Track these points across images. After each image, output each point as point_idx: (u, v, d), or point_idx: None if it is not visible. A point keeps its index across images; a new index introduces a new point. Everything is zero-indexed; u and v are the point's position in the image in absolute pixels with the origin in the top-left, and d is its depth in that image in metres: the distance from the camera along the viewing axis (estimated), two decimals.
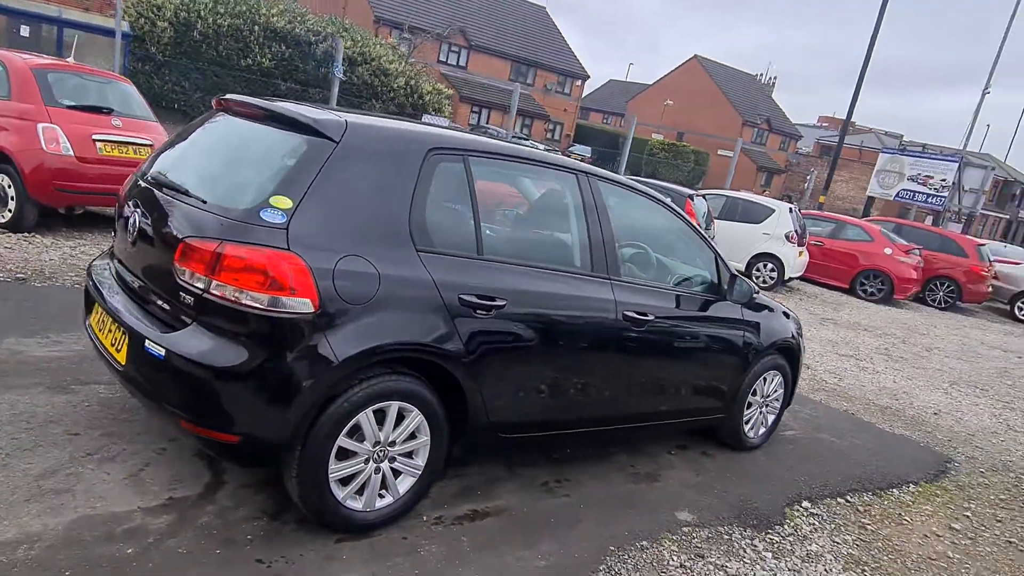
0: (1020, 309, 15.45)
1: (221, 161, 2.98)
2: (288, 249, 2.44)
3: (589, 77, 45.18)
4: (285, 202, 2.50)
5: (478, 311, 2.82)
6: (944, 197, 21.81)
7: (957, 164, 21.50)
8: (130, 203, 2.96)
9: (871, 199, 25.29)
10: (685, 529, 3.40)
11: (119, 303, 2.87)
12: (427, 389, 2.79)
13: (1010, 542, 4.04)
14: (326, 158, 2.59)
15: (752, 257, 12.37)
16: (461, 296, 2.78)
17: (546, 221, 3.72)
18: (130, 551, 2.47)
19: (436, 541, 2.89)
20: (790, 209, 12.59)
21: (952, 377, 8.23)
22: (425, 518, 3.03)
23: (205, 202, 2.63)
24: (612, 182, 3.61)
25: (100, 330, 2.95)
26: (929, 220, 22.44)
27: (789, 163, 53.39)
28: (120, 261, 3.06)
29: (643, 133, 44.62)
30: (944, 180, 21.74)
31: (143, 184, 2.98)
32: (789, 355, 4.60)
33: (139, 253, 2.85)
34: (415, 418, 2.79)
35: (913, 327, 11.57)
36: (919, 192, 22.75)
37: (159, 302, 2.69)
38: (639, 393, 3.68)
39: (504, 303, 2.91)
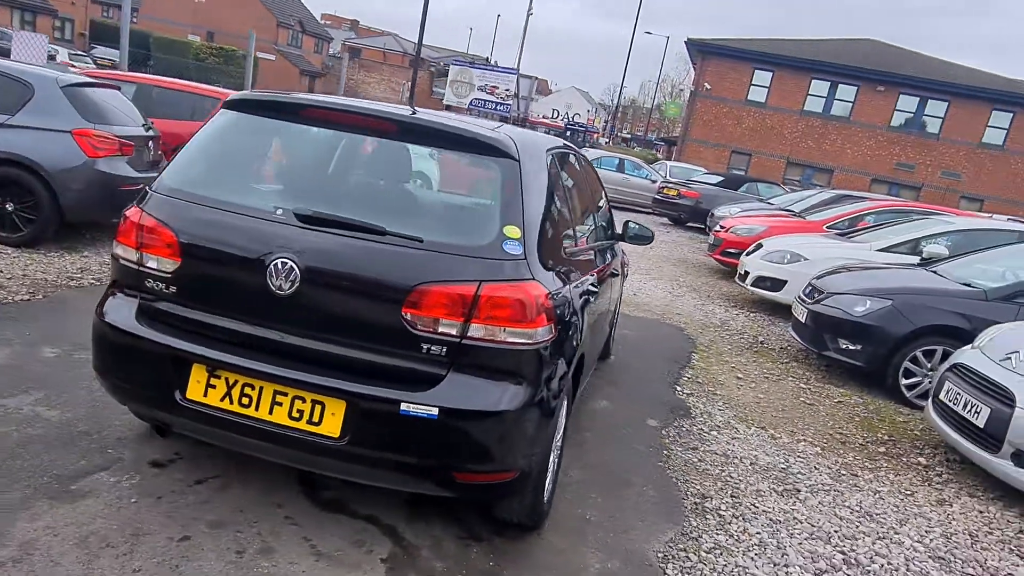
0: None
1: (388, 189, 2.66)
2: (533, 279, 2.51)
3: None
4: (516, 232, 2.53)
5: None
6: (509, 104, 25.59)
7: (516, 76, 25.37)
8: (257, 249, 2.46)
9: (448, 108, 28.12)
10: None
11: (274, 367, 2.45)
12: None
13: (767, 376, 6.00)
14: (519, 178, 2.63)
15: None
16: None
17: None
18: None
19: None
20: None
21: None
22: None
23: (421, 241, 2.44)
24: None
25: (235, 402, 2.47)
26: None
27: (326, 66, 53.99)
28: (238, 316, 2.52)
29: (172, 32, 40.07)
30: (508, 90, 25.48)
31: (288, 223, 2.49)
32: None
33: (304, 307, 2.44)
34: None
35: None
36: (489, 101, 26.23)
37: (355, 353, 2.44)
38: None
39: None
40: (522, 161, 2.67)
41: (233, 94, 2.91)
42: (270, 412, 2.45)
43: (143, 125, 6.83)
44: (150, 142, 6.70)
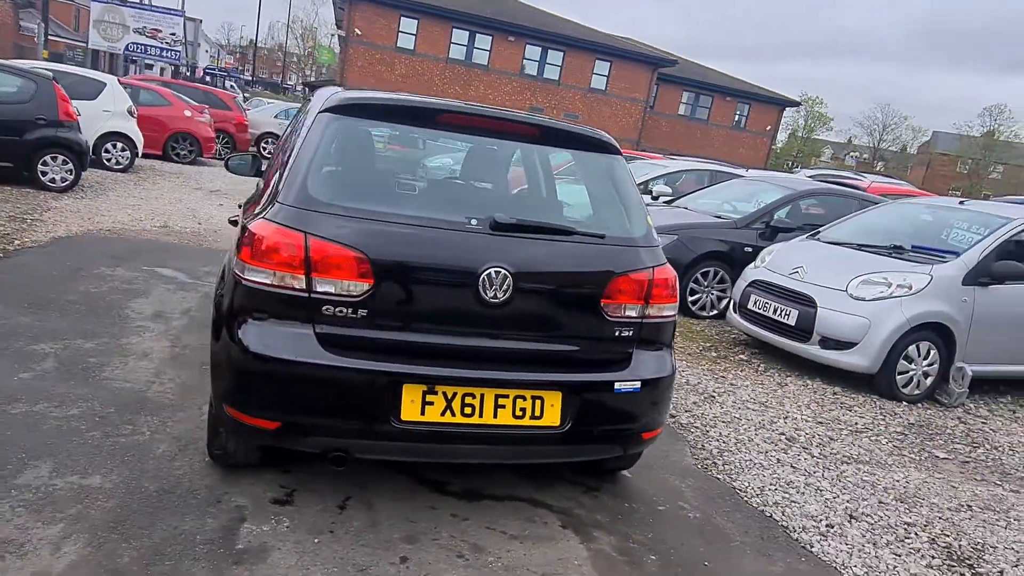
0: (264, 148, 18.40)
1: (536, 191, 2.76)
2: (667, 260, 2.98)
3: None
4: (652, 220, 2.95)
5: None
6: (178, 52, 22.06)
7: (182, 18, 21.89)
8: (468, 261, 2.48)
9: (96, 52, 23.05)
10: None
11: (491, 371, 2.56)
12: None
13: None
14: (628, 171, 3.02)
15: (99, 137, 11.25)
16: None
17: None
18: None
19: None
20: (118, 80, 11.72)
21: None
22: None
23: (603, 237, 2.71)
24: None
25: (457, 413, 2.53)
26: (168, 74, 22.43)
27: None
28: (446, 329, 2.51)
29: None
30: (174, 34, 21.89)
31: (485, 233, 2.52)
32: None
33: (515, 311, 2.56)
34: None
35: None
36: (152, 46, 22.23)
37: (565, 347, 2.68)
38: None
39: None
40: (621, 155, 3.05)
41: (352, 97, 2.70)
42: (495, 416, 2.56)
43: None
44: None
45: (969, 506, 3.82)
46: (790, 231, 7.48)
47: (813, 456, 4.17)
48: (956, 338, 5.56)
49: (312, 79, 53.31)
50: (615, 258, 2.74)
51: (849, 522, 3.40)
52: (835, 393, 5.47)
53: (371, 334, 2.49)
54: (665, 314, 2.88)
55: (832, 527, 3.32)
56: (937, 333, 5.54)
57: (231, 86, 39.11)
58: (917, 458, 4.42)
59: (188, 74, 30.65)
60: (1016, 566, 3.24)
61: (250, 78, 66.68)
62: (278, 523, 2.66)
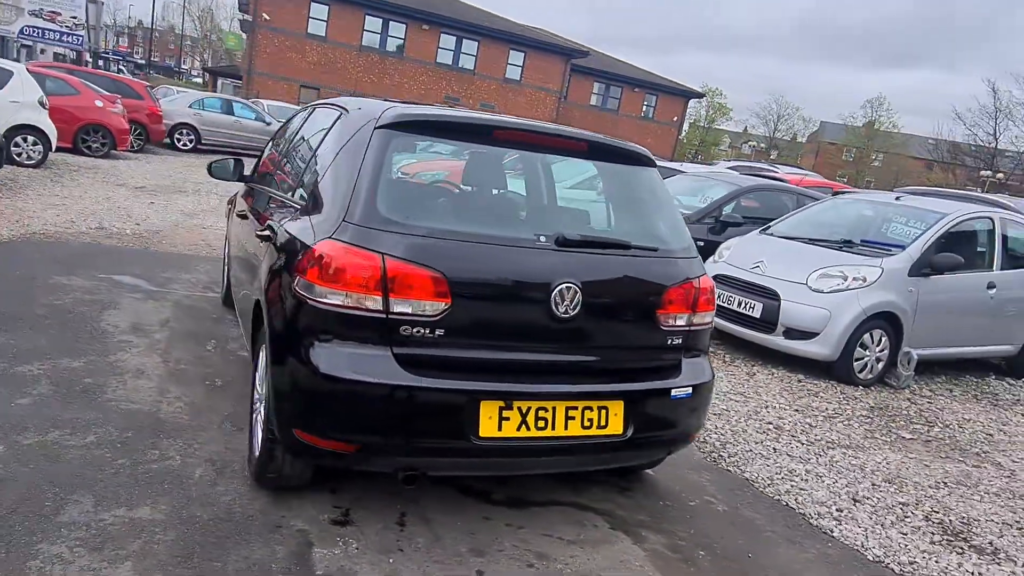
0: (179, 140, 17.55)
1: (584, 204, 2.80)
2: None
3: None
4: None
5: None
6: (81, 36, 20.27)
7: (84, 1, 20.10)
8: (541, 278, 2.52)
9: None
10: None
11: (561, 385, 2.62)
12: None
13: None
14: (663, 182, 3.13)
15: (8, 130, 10.42)
16: None
17: None
18: None
19: None
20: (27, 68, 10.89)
21: None
22: None
23: (656, 249, 2.81)
24: None
25: (531, 427, 2.57)
26: (70, 60, 20.60)
27: None
28: (519, 345, 2.55)
29: None
30: (75, 18, 20.09)
31: (553, 249, 2.55)
32: None
33: (581, 325, 2.62)
34: None
35: (171, 172, 12.52)
36: (50, 30, 20.29)
37: (625, 358, 2.77)
38: None
39: None
40: (656, 167, 3.16)
41: (410, 113, 2.66)
42: (565, 428, 2.62)
43: None
44: None
45: (945, 483, 4.18)
46: (739, 226, 7.85)
47: (802, 443, 4.44)
48: (904, 325, 6.02)
49: (212, 65, 50.88)
50: (668, 269, 2.84)
51: (854, 505, 3.66)
52: (800, 380, 5.81)
53: (449, 353, 2.49)
54: (707, 321, 3.01)
55: (842, 511, 3.57)
56: (888, 321, 5.97)
57: (119, 70, 36.77)
58: (888, 440, 4.78)
59: (74, 59, 28.69)
60: (1001, 537, 3.58)
61: (142, 61, 62.94)
62: (346, 545, 2.63)
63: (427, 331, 2.45)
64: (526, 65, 34.82)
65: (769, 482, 3.79)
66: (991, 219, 6.72)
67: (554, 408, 2.60)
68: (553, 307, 2.56)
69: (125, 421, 3.31)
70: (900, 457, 4.48)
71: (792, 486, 3.78)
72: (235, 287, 4.25)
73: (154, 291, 5.46)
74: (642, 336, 2.81)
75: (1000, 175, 47.20)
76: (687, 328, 2.91)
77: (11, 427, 3.08)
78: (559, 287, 2.56)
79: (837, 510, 3.57)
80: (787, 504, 3.57)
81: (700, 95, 48.14)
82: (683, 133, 51.64)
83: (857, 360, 5.90)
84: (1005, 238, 6.72)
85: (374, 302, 2.40)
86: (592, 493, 3.31)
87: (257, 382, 3.02)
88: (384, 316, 2.41)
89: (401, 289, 2.40)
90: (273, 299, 2.71)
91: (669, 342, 2.87)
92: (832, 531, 3.35)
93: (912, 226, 6.48)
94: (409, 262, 2.41)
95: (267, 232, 3.05)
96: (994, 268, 6.59)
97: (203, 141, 17.30)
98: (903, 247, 6.16)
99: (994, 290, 6.53)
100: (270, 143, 4.67)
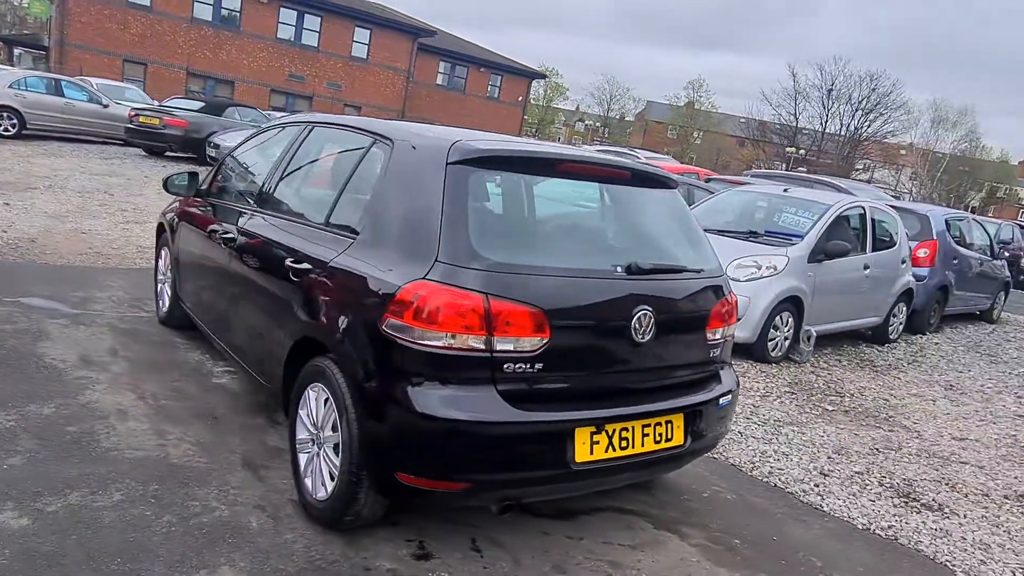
0: None
1: (640, 229, 2.95)
2: None
3: None
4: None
5: None
6: None
7: None
8: (623, 307, 2.65)
9: None
10: None
11: (637, 405, 2.79)
12: None
13: None
14: (684, 204, 3.36)
15: None
16: None
17: None
18: None
19: None
20: None
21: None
22: None
23: (702, 271, 3.03)
24: None
25: (616, 448, 2.72)
26: None
27: None
28: (603, 371, 2.66)
29: None
30: None
31: (626, 278, 2.68)
32: None
33: (655, 348, 2.79)
34: None
35: (3, 164, 11.12)
36: None
37: (682, 373, 2.99)
38: None
39: None
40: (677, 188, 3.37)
41: (481, 149, 2.64)
42: (642, 444, 2.79)
43: None
44: None
45: (877, 449, 4.82)
46: None
47: (758, 424, 4.91)
48: (805, 307, 6.74)
49: (8, 33, 44.80)
50: (711, 288, 3.08)
51: (825, 479, 4.15)
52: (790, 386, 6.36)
53: (547, 386, 2.57)
54: (734, 332, 3.30)
55: (819, 487, 4.04)
56: (793, 304, 6.66)
57: None
58: (817, 413, 5.40)
59: None
60: (939, 493, 4.22)
61: None
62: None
63: (528, 366, 2.51)
64: (372, 43, 33.91)
65: (752, 465, 4.19)
66: (863, 207, 7.65)
67: (633, 427, 2.76)
68: (632, 333, 2.70)
69: (141, 472, 3.06)
70: (834, 429, 5.09)
71: (772, 467, 4.21)
72: (215, 314, 3.98)
73: (77, 314, 4.93)
74: (695, 352, 3.03)
75: (801, 151, 52.60)
76: (723, 340, 3.17)
77: (20, 493, 2.76)
78: (638, 314, 2.70)
79: (815, 486, 4.04)
80: (776, 485, 3.98)
81: (543, 75, 49.36)
82: (527, 113, 52.73)
83: (770, 340, 6.54)
84: (874, 223, 7.69)
85: (478, 341, 2.42)
86: (622, 496, 3.51)
87: (307, 421, 2.91)
88: (489, 355, 2.44)
89: (504, 327, 2.44)
90: (347, 341, 2.63)
91: (712, 355, 3.11)
92: (822, 506, 3.79)
93: (802, 216, 7.23)
94: (511, 300, 2.45)
95: (307, 265, 2.93)
96: (867, 251, 7.53)
97: (28, 126, 15.36)
98: (801, 236, 6.87)
99: (868, 270, 7.46)
100: (229, 160, 4.38)
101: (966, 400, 6.45)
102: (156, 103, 18.42)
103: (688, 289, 2.98)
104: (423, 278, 2.45)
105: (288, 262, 3.03)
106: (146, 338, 4.71)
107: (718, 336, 3.12)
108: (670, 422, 2.89)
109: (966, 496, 4.23)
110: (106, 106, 16.17)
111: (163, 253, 4.98)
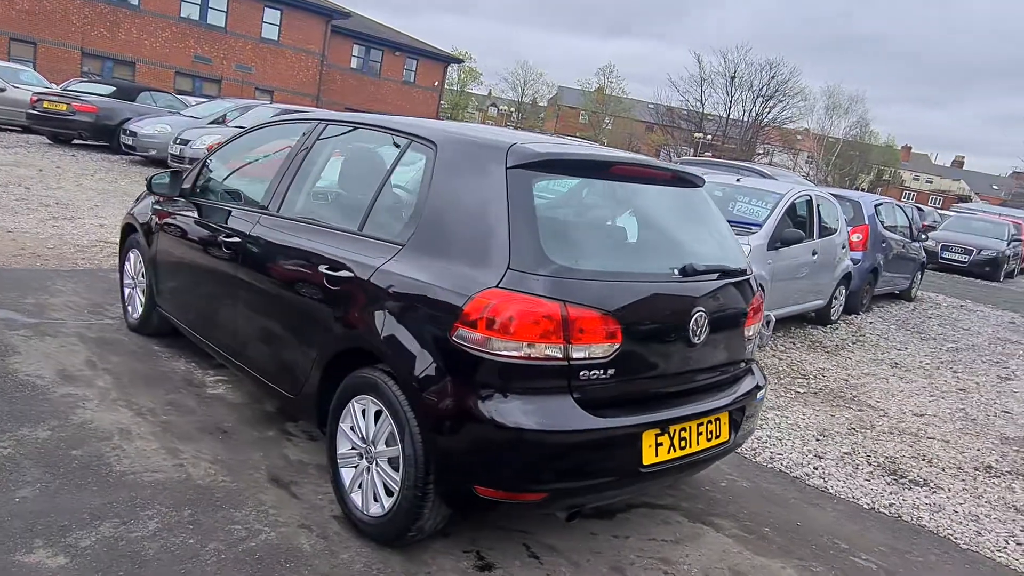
0: None
1: (683, 229, 2.97)
2: None
3: None
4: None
5: None
6: None
7: None
8: (684, 310, 2.67)
9: None
10: None
11: (693, 405, 2.83)
12: None
13: None
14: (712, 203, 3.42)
15: None
16: None
17: None
18: None
19: None
20: None
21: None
22: None
23: (741, 271, 3.09)
24: None
25: (676, 448, 2.74)
26: None
27: None
28: (665, 374, 2.68)
29: None
30: None
31: (683, 280, 2.69)
32: None
33: (706, 348, 2.82)
34: None
35: None
36: None
37: (727, 371, 3.05)
38: None
39: None
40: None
41: (541, 153, 2.58)
42: (697, 443, 2.82)
43: None
44: None
45: (854, 429, 5.07)
46: None
47: None
48: (766, 292, 7.00)
49: None
50: (748, 286, 3.14)
51: (820, 462, 4.34)
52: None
53: (618, 391, 2.56)
54: (759, 328, 3.38)
55: (818, 470, 4.22)
56: None
57: None
58: (791, 396, 5.63)
59: None
60: (920, 469, 4.49)
61: None
62: None
63: (601, 372, 2.49)
64: (283, 24, 32.66)
65: (754, 452, 4.33)
66: (810, 195, 7.99)
67: (690, 427, 2.79)
68: (690, 335, 2.73)
69: (168, 496, 2.86)
70: (811, 411, 5.32)
71: (771, 453, 4.36)
72: (211, 321, 3.75)
73: (36, 324, 4.54)
74: (736, 349, 3.09)
75: (708, 136, 54.42)
76: (755, 336, 3.25)
77: (45, 528, 2.53)
78: (695, 315, 2.73)
79: (815, 468, 4.22)
80: (781, 471, 4.13)
81: (459, 60, 48.89)
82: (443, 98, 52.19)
83: None
84: (819, 211, 8.05)
85: (555, 350, 2.38)
86: (650, 491, 3.55)
87: (351, 435, 2.80)
88: (566, 363, 2.41)
89: (579, 334, 2.41)
90: (406, 352, 2.52)
91: (747, 351, 3.19)
92: (828, 489, 3.97)
93: (756, 205, 7.49)
94: (586, 307, 2.42)
95: (347, 273, 2.79)
96: (815, 237, 7.88)
97: None
98: (759, 225, 7.12)
99: (816, 256, 7.82)
100: (215, 160, 4.12)
101: (912, 377, 6.89)
102: (56, 87, 17.10)
103: (732, 288, 3.03)
104: (495, 286, 2.38)
105: (323, 269, 2.89)
106: (122, 348, 4.39)
107: (751, 332, 3.19)
108: (719, 419, 2.94)
109: (943, 470, 4.51)
110: (3, 90, 14.91)
111: (131, 256, 4.64)
